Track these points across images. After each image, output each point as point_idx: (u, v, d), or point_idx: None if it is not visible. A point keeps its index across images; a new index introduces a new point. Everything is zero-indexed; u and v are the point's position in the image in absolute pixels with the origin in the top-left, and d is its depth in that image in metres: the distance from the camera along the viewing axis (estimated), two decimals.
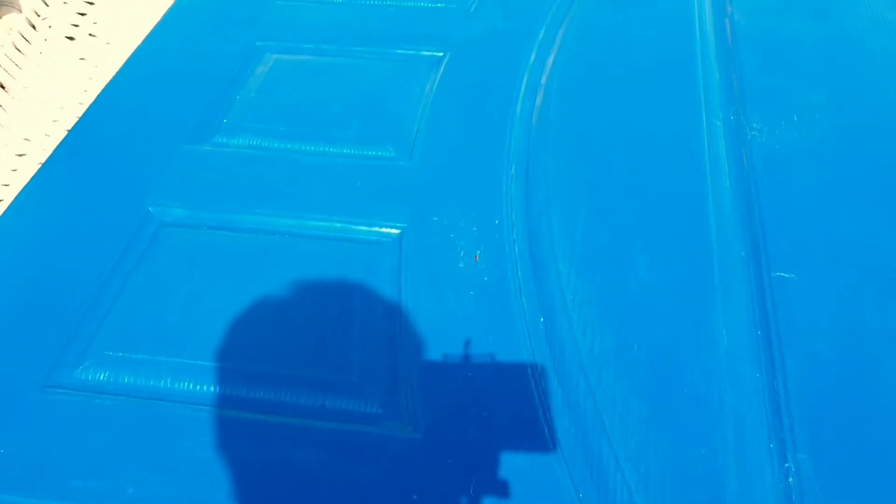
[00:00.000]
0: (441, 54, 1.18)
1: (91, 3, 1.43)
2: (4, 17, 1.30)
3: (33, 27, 1.28)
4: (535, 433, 0.73)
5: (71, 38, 1.38)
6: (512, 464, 0.71)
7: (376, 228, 0.93)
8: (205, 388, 0.78)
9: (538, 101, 1.09)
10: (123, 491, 0.70)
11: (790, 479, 0.69)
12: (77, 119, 1.10)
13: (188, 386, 0.78)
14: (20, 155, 1.24)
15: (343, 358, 0.80)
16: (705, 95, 1.08)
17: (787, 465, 0.70)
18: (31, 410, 0.77)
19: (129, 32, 1.41)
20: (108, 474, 0.72)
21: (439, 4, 1.29)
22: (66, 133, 1.09)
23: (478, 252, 0.89)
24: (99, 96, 1.13)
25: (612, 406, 0.75)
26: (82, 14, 1.41)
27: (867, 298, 0.82)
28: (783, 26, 1.19)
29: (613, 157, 1.00)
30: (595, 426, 0.73)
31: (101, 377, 0.80)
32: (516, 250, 0.89)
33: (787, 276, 0.84)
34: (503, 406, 0.75)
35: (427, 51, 1.19)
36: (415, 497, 0.69)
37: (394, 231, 0.93)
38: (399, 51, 1.20)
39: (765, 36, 1.17)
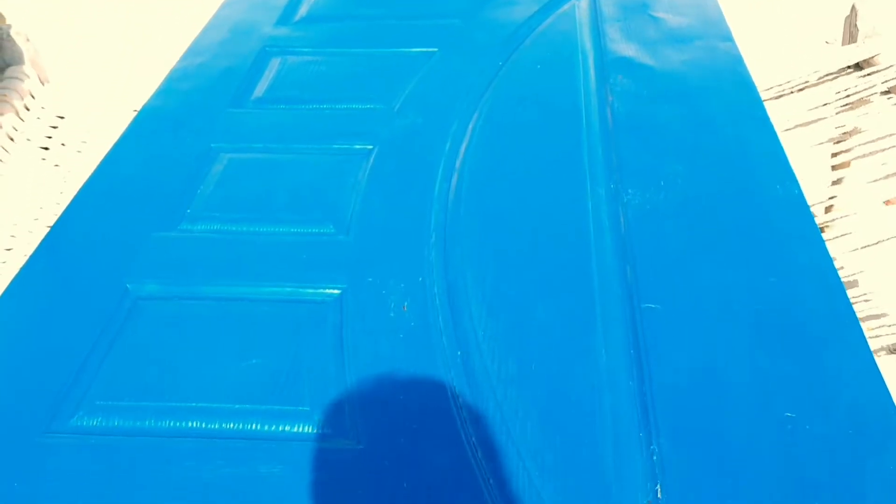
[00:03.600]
0: (371, 147, 1.40)
1: (61, 118, 1.63)
2: None
3: (11, 139, 1.47)
4: (454, 440, 0.91)
5: (45, 149, 1.57)
6: (435, 464, 0.89)
7: (321, 290, 1.12)
8: (183, 424, 0.94)
9: (453, 182, 1.31)
10: None
11: (654, 458, 0.88)
12: (56, 217, 1.28)
13: (168, 424, 0.95)
14: (8, 249, 1.40)
15: (297, 393, 0.97)
16: (590, 170, 1.31)
17: (651, 447, 0.89)
18: (35, 452, 0.92)
19: (99, 140, 1.61)
20: (105, 497, 0.87)
21: (368, 106, 1.52)
22: (47, 229, 1.26)
23: (405, 304, 1.09)
24: (76, 196, 1.32)
25: (515, 415, 0.93)
26: (54, 127, 1.61)
27: (715, 322, 1.03)
28: (654, 111, 1.44)
29: (515, 224, 1.21)
30: (502, 433, 0.92)
31: (94, 423, 0.95)
32: (437, 301, 1.09)
33: (653, 306, 1.05)
34: (428, 420, 0.93)
35: (359, 144, 1.41)
36: (360, 492, 0.86)
37: (335, 291, 1.12)
38: (335, 146, 1.42)
39: (639, 120, 1.42)
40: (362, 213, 1.26)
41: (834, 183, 1.61)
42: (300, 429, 0.94)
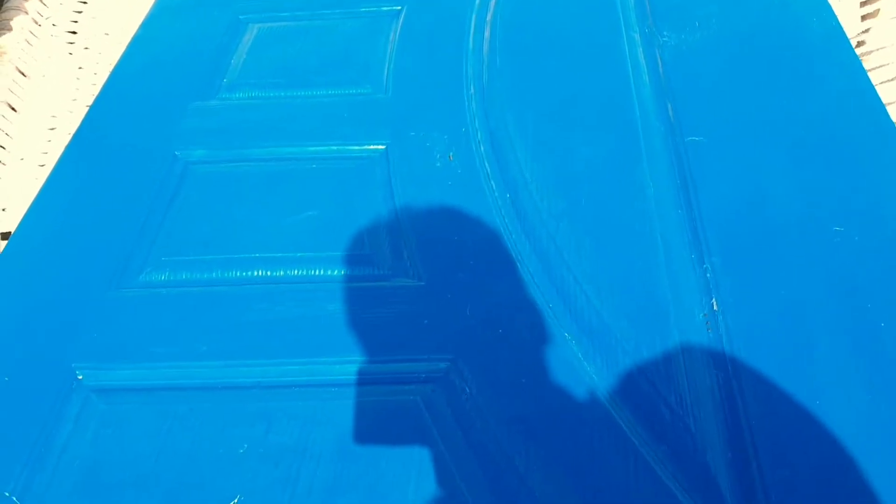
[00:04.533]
0: (399, 8, 1.39)
1: (85, 2, 1.61)
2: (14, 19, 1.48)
3: (38, 24, 1.47)
4: (512, 273, 0.94)
5: (73, 33, 1.56)
6: (497, 293, 0.92)
7: (366, 146, 1.14)
8: (249, 273, 0.98)
9: (486, 34, 1.30)
10: (197, 349, 0.90)
11: (707, 275, 0.91)
12: (94, 96, 1.29)
13: (235, 273, 0.98)
14: (51, 129, 1.42)
15: (355, 239, 1.00)
16: (623, 15, 1.30)
17: (704, 265, 0.92)
18: (109, 307, 0.96)
19: (126, 21, 1.60)
20: (181, 340, 0.91)
21: None
22: (86, 108, 1.27)
23: (451, 153, 1.10)
24: (112, 73, 1.32)
25: (569, 244, 0.96)
26: (79, 12, 1.60)
27: (761, 151, 1.04)
28: None
29: (553, 70, 1.21)
30: (557, 260, 0.95)
31: (162, 277, 0.99)
32: (482, 149, 1.10)
33: (697, 139, 1.06)
34: (487, 257, 0.96)
35: (386, 6, 1.40)
36: (426, 322, 0.90)
37: (380, 147, 1.13)
38: (362, 9, 1.40)
39: None
40: (398, 71, 1.26)
41: (867, 16, 1.58)
42: (362, 271, 0.97)
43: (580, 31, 1.28)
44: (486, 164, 1.08)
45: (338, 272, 0.97)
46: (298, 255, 1.00)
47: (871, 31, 1.43)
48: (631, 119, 1.11)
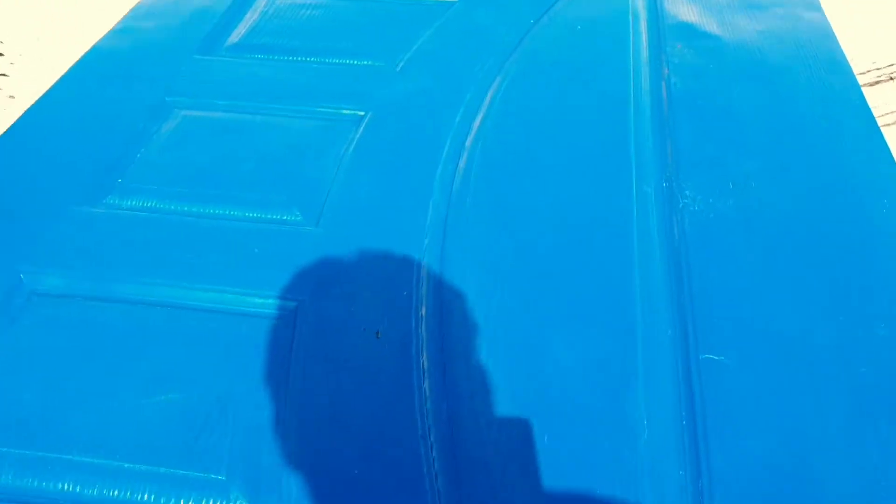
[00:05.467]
0: (362, 113, 1.12)
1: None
2: None
3: None
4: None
5: None
6: None
7: (271, 300, 0.84)
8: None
9: (461, 164, 1.02)
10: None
11: None
12: None
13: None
14: None
15: (212, 452, 0.70)
16: (637, 162, 1.02)
17: None
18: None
19: (41, 80, 1.33)
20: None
21: (365, 62, 1.22)
22: None
23: (378, 330, 0.81)
24: None
25: None
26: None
27: (805, 389, 0.74)
28: (720, 91, 1.14)
29: (535, 227, 0.93)
30: None
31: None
32: (422, 332, 0.81)
33: (716, 358, 0.76)
34: None
35: (348, 109, 1.12)
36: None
37: (290, 303, 0.84)
38: (319, 108, 1.13)
39: (701, 101, 1.12)
40: (340, 198, 0.97)
41: None
42: None
43: (580, 177, 1.00)
44: (423, 357, 0.78)
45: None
46: (127, 466, 0.69)
47: None
48: (630, 316, 0.81)
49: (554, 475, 0.68)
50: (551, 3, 1.35)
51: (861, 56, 1.43)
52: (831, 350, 0.77)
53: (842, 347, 0.77)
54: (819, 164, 0.99)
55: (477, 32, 1.29)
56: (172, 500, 0.68)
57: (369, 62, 1.22)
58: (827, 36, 1.26)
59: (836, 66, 1.18)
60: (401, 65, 1.22)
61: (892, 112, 1.36)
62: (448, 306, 0.83)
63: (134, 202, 0.97)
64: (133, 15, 1.37)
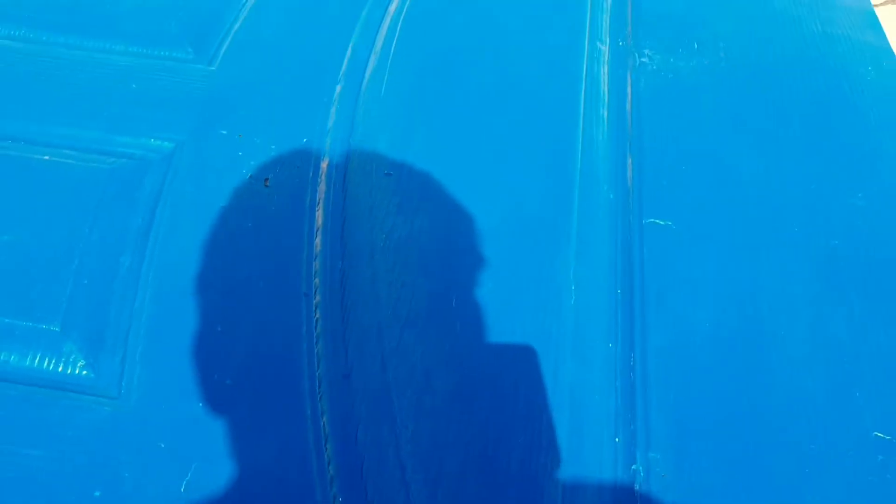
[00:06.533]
0: None
1: None
2: None
3: None
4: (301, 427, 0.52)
5: None
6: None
7: (144, 140, 0.70)
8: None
9: (392, 7, 0.88)
10: None
11: (636, 487, 0.49)
12: None
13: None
14: None
15: (47, 300, 0.57)
16: (592, 18, 0.88)
17: (634, 466, 0.50)
18: None
19: None
20: None
21: None
22: None
23: (268, 176, 0.67)
24: None
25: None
26: None
27: (767, 260, 0.63)
28: None
29: (470, 81, 0.79)
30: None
31: None
32: (322, 181, 0.68)
33: (661, 223, 0.65)
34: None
35: None
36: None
37: (166, 144, 0.70)
38: None
39: None
40: (244, 35, 0.83)
41: None
42: (34, 362, 0.54)
43: (526, 31, 0.86)
44: (319, 212, 0.65)
45: None
46: None
47: None
48: (569, 175, 0.69)
49: (460, 338, 0.56)
50: None
51: None
52: (801, 219, 0.66)
53: (813, 217, 0.67)
54: (800, 31, 0.87)
55: None
56: None
57: None
58: None
59: None
60: None
61: None
62: (355, 159, 0.70)
63: (5, 30, 0.82)
64: None
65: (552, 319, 0.58)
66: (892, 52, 0.83)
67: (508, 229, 0.64)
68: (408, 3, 0.88)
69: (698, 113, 0.76)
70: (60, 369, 0.55)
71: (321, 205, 0.66)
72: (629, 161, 0.71)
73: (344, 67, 0.80)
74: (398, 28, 0.85)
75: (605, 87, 0.80)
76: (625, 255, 0.63)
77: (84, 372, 0.55)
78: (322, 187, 0.68)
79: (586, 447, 0.52)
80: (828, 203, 0.67)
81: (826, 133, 0.73)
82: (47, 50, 0.80)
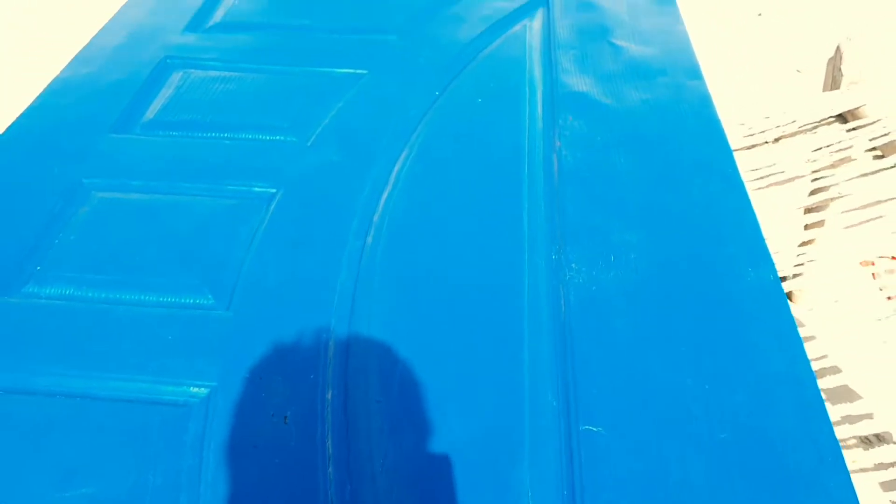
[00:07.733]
0: (273, 191, 1.17)
1: None
2: None
3: None
4: None
5: None
6: None
7: (184, 387, 0.89)
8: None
9: (368, 240, 1.09)
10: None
11: None
12: None
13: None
14: None
15: None
16: (529, 235, 1.10)
17: None
18: None
19: None
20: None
21: (277, 137, 1.28)
22: None
23: (287, 414, 0.86)
24: None
25: None
26: None
27: (671, 453, 0.83)
28: (605, 161, 1.23)
29: (436, 301, 1.00)
30: None
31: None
32: (329, 413, 0.87)
33: (594, 429, 0.85)
34: None
35: (259, 186, 1.18)
36: None
37: (202, 390, 0.89)
38: (230, 187, 1.18)
39: (588, 172, 1.21)
40: (251, 279, 1.03)
41: (805, 243, 1.43)
42: None
43: (478, 248, 1.08)
44: (329, 442, 0.84)
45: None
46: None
47: (808, 258, 1.26)
48: (519, 389, 0.89)
49: None
50: (454, 75, 1.43)
51: (737, 118, 1.55)
52: (699, 417, 0.86)
53: (708, 414, 0.86)
54: (692, 236, 1.09)
55: (385, 105, 1.37)
56: None
57: (282, 137, 1.28)
58: (705, 103, 1.37)
59: (713, 135, 1.29)
60: (312, 139, 1.28)
61: (763, 171, 1.48)
62: (352, 389, 0.89)
63: (51, 291, 1.01)
64: (50, 90, 1.40)
65: None
66: (771, 261, 1.04)
67: (473, 446, 0.83)
68: (382, 236, 1.09)
69: (616, 323, 0.96)
70: None
71: (330, 435, 0.85)
72: (568, 369, 0.91)
73: (335, 300, 1.00)
74: (376, 260, 1.05)
75: (544, 300, 1.00)
76: (568, 460, 0.82)
77: None
78: (329, 418, 0.86)
79: None
80: (718, 401, 0.87)
81: (713, 338, 0.94)
82: (94, 307, 0.99)
